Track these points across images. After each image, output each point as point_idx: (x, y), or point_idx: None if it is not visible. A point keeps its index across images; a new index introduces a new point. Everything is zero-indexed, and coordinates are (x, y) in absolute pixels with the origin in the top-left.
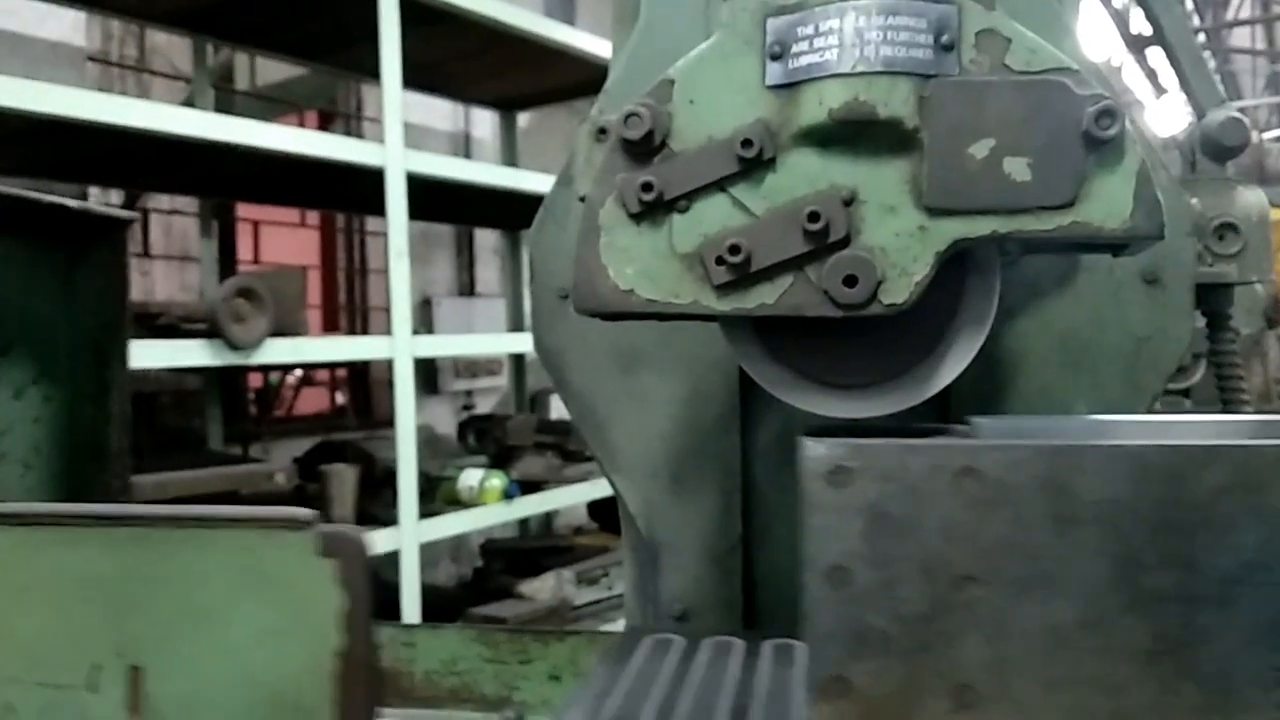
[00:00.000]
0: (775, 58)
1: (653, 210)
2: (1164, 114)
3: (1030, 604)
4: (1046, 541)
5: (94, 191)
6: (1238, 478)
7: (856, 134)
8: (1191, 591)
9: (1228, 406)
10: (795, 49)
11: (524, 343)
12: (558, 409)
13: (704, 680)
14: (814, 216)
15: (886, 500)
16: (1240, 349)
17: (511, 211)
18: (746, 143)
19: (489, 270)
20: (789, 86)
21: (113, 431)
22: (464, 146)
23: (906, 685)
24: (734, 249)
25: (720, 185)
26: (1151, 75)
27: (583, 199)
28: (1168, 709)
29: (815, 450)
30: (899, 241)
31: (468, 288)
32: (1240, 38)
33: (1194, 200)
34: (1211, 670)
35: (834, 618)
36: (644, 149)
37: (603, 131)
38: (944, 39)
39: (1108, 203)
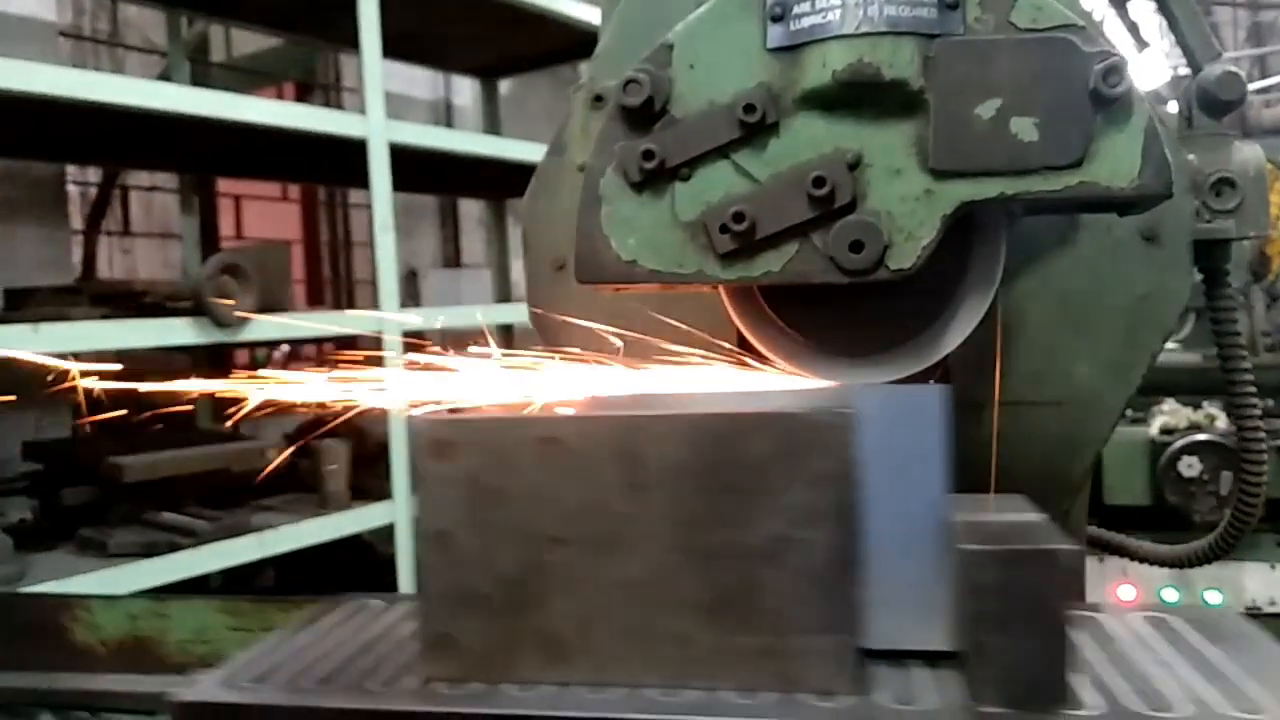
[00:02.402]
0: (776, 19)
1: (654, 179)
2: (1146, 68)
3: (608, 563)
4: (620, 505)
5: (71, 170)
6: (782, 443)
7: (861, 96)
8: (745, 548)
9: (1226, 362)
10: (797, 10)
11: (512, 313)
12: None
13: (370, 640)
14: (819, 181)
15: (483, 471)
16: None
17: (496, 180)
18: (749, 107)
19: (474, 241)
20: (791, 49)
21: None
22: (445, 115)
23: (505, 641)
24: (738, 216)
25: (723, 151)
26: (1133, 29)
27: (581, 168)
28: (729, 657)
29: (420, 425)
30: (905, 205)
31: (453, 259)
32: None
33: (1191, 156)
34: (765, 621)
35: (441, 580)
36: (644, 116)
37: (599, 98)
38: None
39: (1116, 161)
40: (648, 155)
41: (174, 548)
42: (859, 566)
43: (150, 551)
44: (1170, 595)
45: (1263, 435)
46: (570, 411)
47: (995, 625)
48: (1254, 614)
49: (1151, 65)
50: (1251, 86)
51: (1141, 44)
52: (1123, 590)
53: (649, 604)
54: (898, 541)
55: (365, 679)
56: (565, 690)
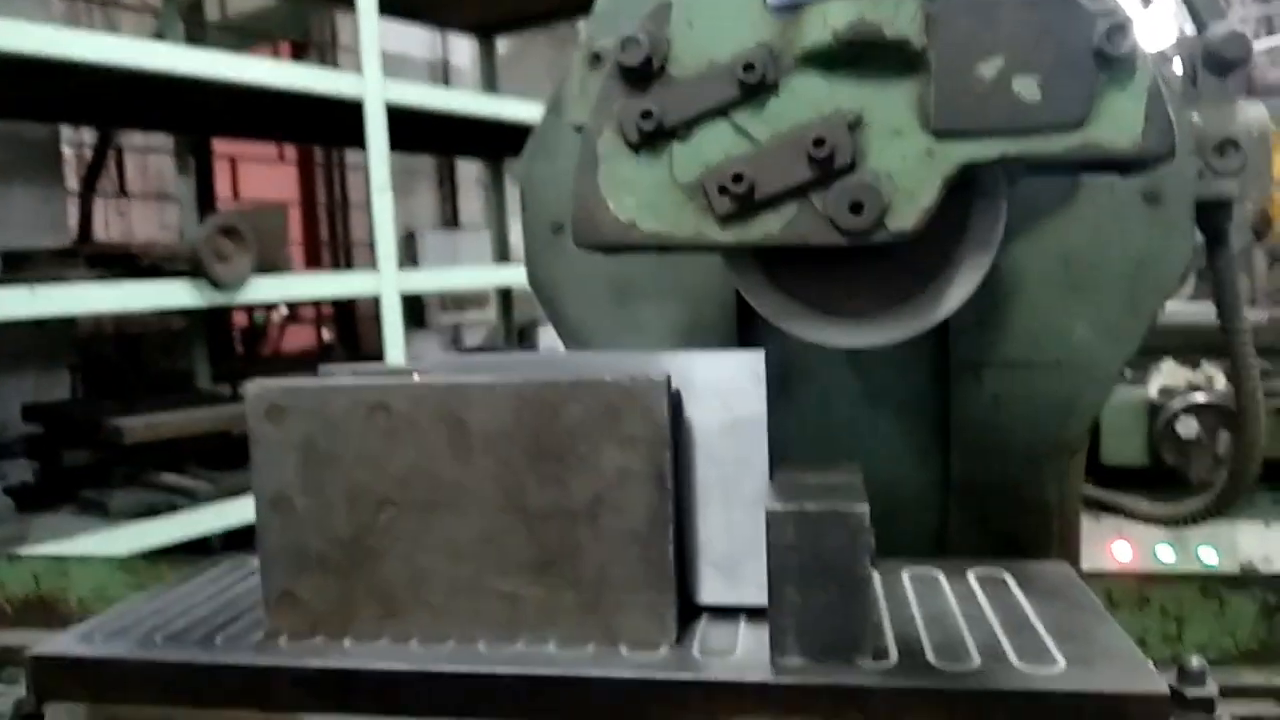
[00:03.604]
0: None
1: (653, 139)
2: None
3: (438, 523)
4: (447, 468)
5: (66, 131)
6: (598, 409)
7: (861, 55)
8: (567, 509)
9: (1226, 325)
10: None
11: (511, 275)
12: (546, 341)
13: (234, 598)
14: (819, 142)
15: (315, 435)
16: None
17: (493, 140)
18: (748, 67)
19: (472, 202)
20: (791, 7)
21: None
22: (443, 74)
23: (343, 598)
24: (737, 178)
25: (722, 112)
26: None
27: (578, 129)
28: (554, 613)
29: (254, 390)
30: (906, 166)
31: (451, 220)
32: None
33: (1195, 116)
34: (587, 577)
35: (279, 541)
36: (642, 75)
37: (597, 57)
38: None
39: (1119, 122)
40: (646, 115)
41: (174, 508)
42: (674, 526)
43: (150, 512)
44: (1165, 553)
45: (1260, 397)
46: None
47: (793, 581)
48: (1248, 572)
49: (1157, 23)
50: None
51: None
52: (1118, 547)
53: (478, 563)
54: (727, 502)
55: (216, 634)
56: (398, 644)
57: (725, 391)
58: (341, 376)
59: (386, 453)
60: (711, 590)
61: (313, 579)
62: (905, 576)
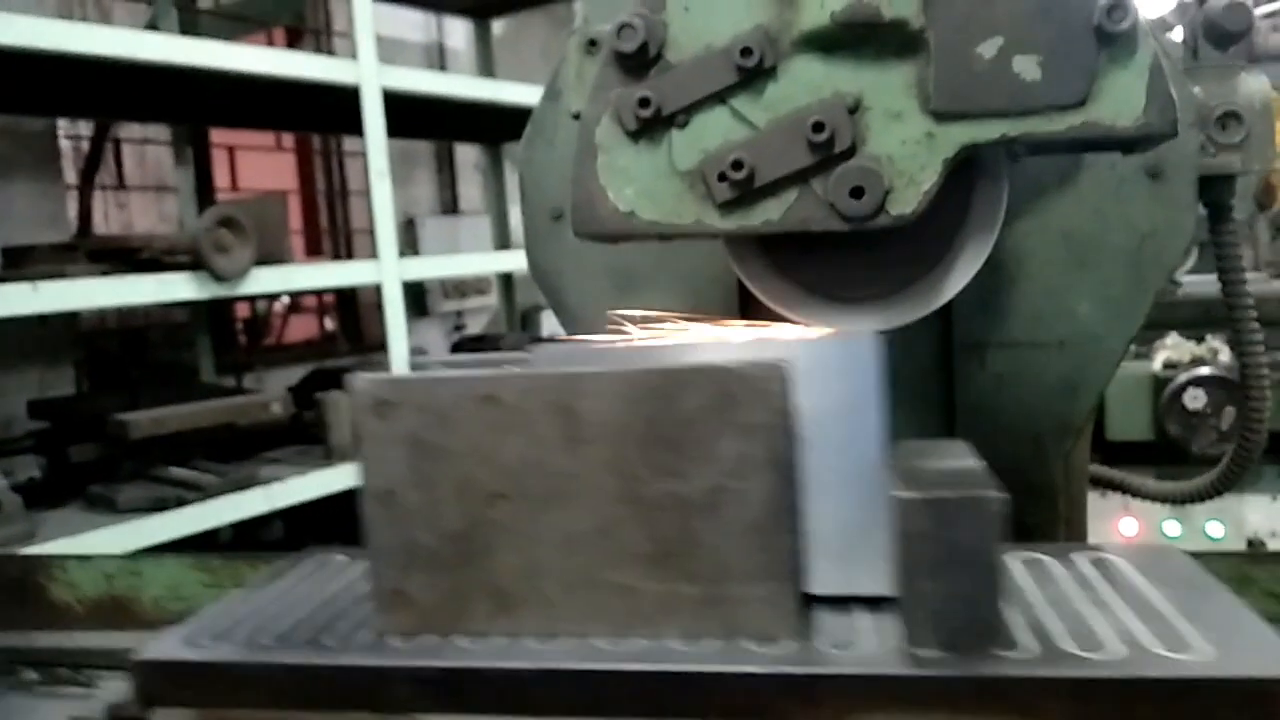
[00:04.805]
0: None
1: (651, 126)
2: None
3: (551, 516)
4: (560, 459)
5: (63, 124)
6: (715, 396)
7: (860, 37)
8: (684, 500)
9: (1230, 298)
10: None
11: (513, 261)
12: (549, 327)
13: (331, 596)
14: (818, 126)
15: (423, 429)
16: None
17: (491, 125)
18: (746, 51)
19: (471, 187)
20: None
21: None
22: (438, 58)
23: (454, 594)
24: (736, 164)
25: (720, 97)
26: None
27: (576, 116)
28: (672, 606)
29: (360, 385)
30: (906, 149)
31: (450, 206)
32: None
33: (1196, 89)
34: (706, 570)
35: (388, 537)
36: (639, 62)
37: (593, 43)
38: None
39: (1120, 100)
40: (643, 103)
41: (182, 502)
42: (796, 515)
43: (159, 506)
44: (1172, 528)
45: (1265, 370)
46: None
47: (927, 571)
48: (1255, 546)
49: None
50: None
51: None
52: (1124, 524)
53: (593, 556)
54: (839, 489)
55: (321, 634)
56: (514, 641)
57: (835, 374)
58: (447, 368)
59: (497, 445)
60: (824, 580)
61: (423, 576)
62: (1014, 562)
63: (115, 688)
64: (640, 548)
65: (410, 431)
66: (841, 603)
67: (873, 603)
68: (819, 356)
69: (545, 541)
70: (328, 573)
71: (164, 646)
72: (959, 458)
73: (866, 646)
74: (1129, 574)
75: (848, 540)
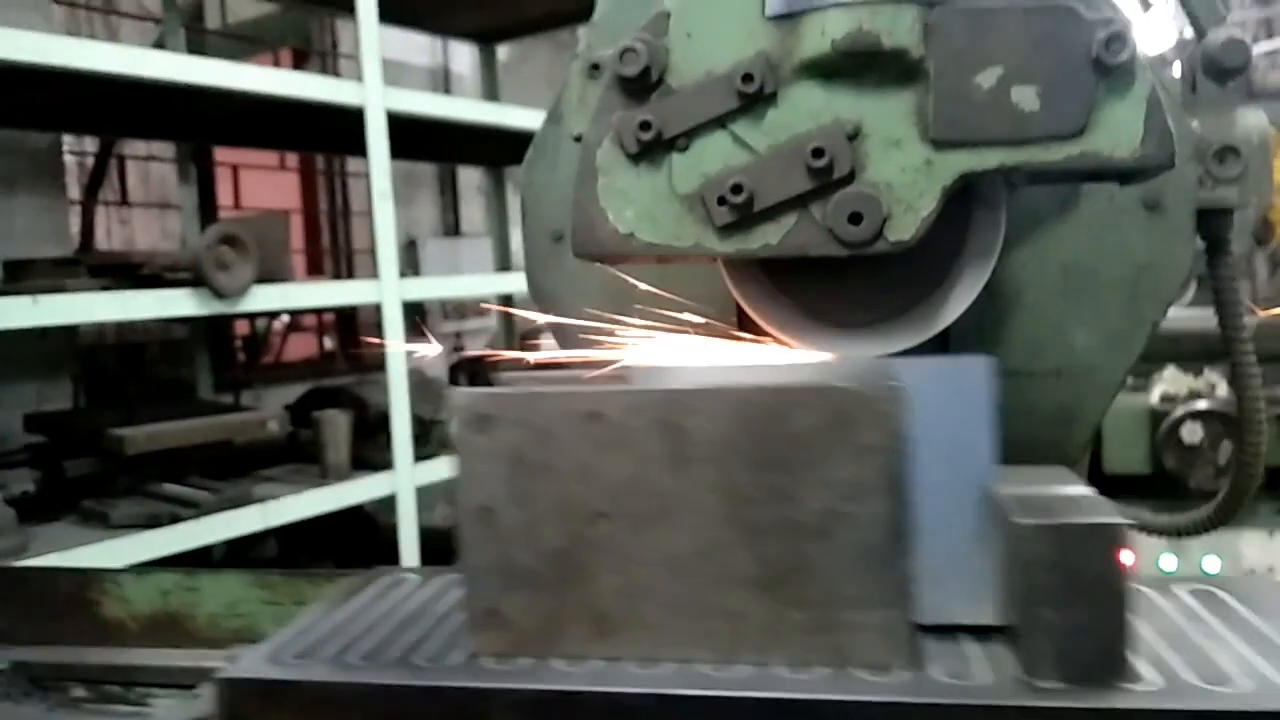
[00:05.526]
0: None
1: (651, 150)
2: (1150, 31)
3: (654, 537)
4: (664, 478)
5: (68, 139)
6: (829, 417)
7: (860, 65)
8: (794, 523)
9: (1228, 331)
10: None
11: (513, 283)
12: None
13: (409, 615)
14: (818, 152)
15: (524, 445)
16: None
17: (495, 148)
18: (747, 77)
19: (474, 209)
20: (790, 16)
21: None
22: (443, 82)
23: (551, 615)
24: (736, 188)
25: (721, 122)
26: None
27: (578, 139)
28: (779, 632)
29: (460, 399)
30: (905, 176)
31: (453, 228)
32: None
33: (1195, 123)
34: (816, 596)
35: (484, 555)
36: (641, 86)
37: (596, 68)
38: None
39: (1118, 131)
40: (644, 126)
41: (176, 519)
42: (910, 540)
43: (153, 523)
44: (1168, 562)
45: (1262, 404)
46: (611, 385)
47: (1051, 600)
48: None
49: (1156, 28)
50: (1258, 49)
51: (1146, 5)
52: (1121, 556)
53: (697, 579)
54: (944, 515)
55: (410, 654)
56: (614, 665)
57: (947, 397)
58: (550, 384)
59: (600, 463)
60: (930, 607)
61: (519, 596)
62: None
63: (168, 706)
64: (747, 571)
65: (510, 447)
66: (945, 631)
67: (976, 631)
68: (931, 378)
69: (648, 563)
70: (402, 592)
71: (249, 665)
72: (1067, 483)
73: (982, 677)
74: (1234, 606)
75: (953, 567)
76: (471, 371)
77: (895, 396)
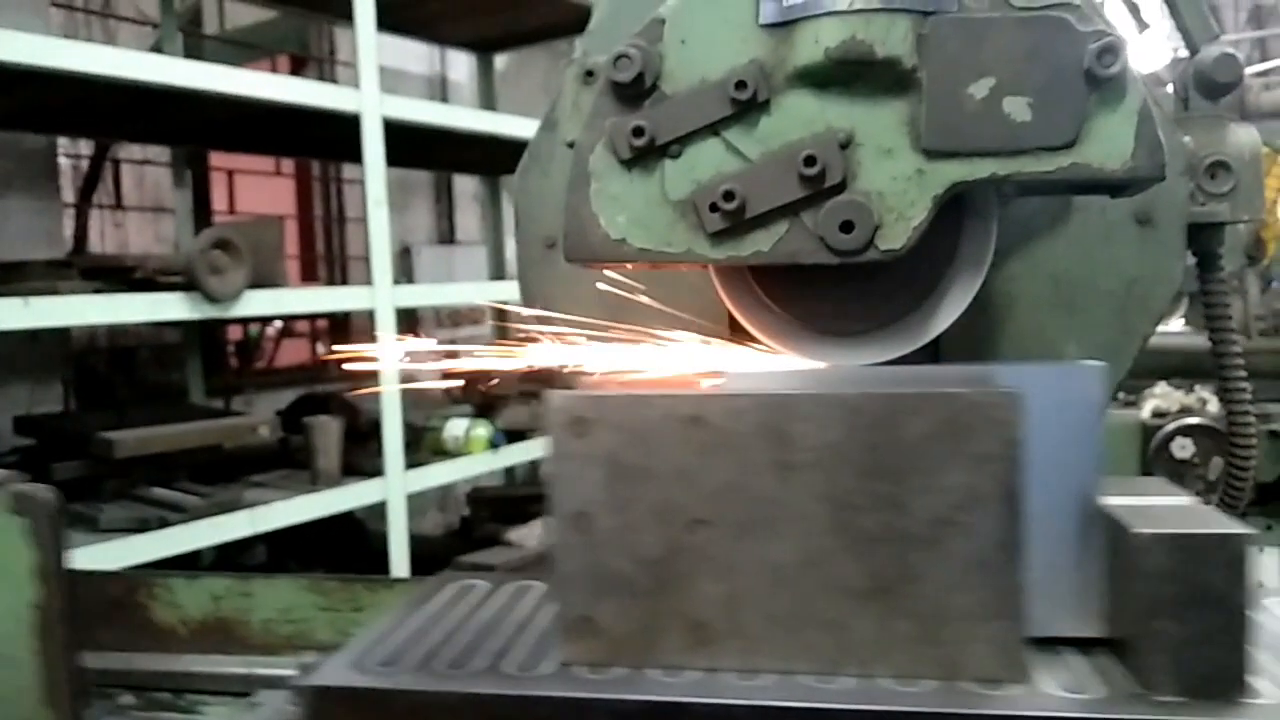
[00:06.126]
0: None
1: (644, 156)
2: (1146, 49)
3: (756, 545)
4: (768, 485)
5: (63, 142)
6: (943, 424)
7: (853, 75)
8: (903, 532)
9: (1218, 347)
10: None
11: (506, 291)
12: None
13: (487, 623)
14: (810, 160)
15: (622, 449)
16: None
17: (491, 156)
18: (740, 84)
19: (469, 217)
20: (784, 25)
21: None
22: (440, 90)
23: (647, 624)
24: (728, 195)
25: (713, 129)
26: (1134, 10)
27: (571, 144)
28: (885, 644)
29: (557, 402)
30: (896, 185)
31: (448, 235)
32: None
33: (1187, 138)
34: (925, 607)
35: (578, 561)
36: (634, 92)
37: (590, 74)
38: None
39: (1109, 143)
40: (638, 132)
41: (165, 523)
42: (1023, 551)
43: (141, 527)
44: None
45: (1252, 420)
46: (713, 389)
47: (1169, 612)
48: None
49: (1152, 46)
50: (1252, 69)
51: (1143, 25)
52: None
53: (801, 588)
54: (1049, 524)
55: (498, 662)
56: (713, 675)
57: (1059, 404)
58: (647, 388)
59: (701, 468)
60: (1034, 620)
61: (614, 603)
62: None
63: (220, 713)
64: (853, 581)
65: (608, 451)
66: (1043, 644)
67: (1078, 644)
68: (1041, 385)
69: (749, 571)
70: (474, 599)
71: (334, 673)
72: (1170, 493)
73: (1095, 689)
74: None
75: (1057, 578)
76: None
77: (1013, 403)
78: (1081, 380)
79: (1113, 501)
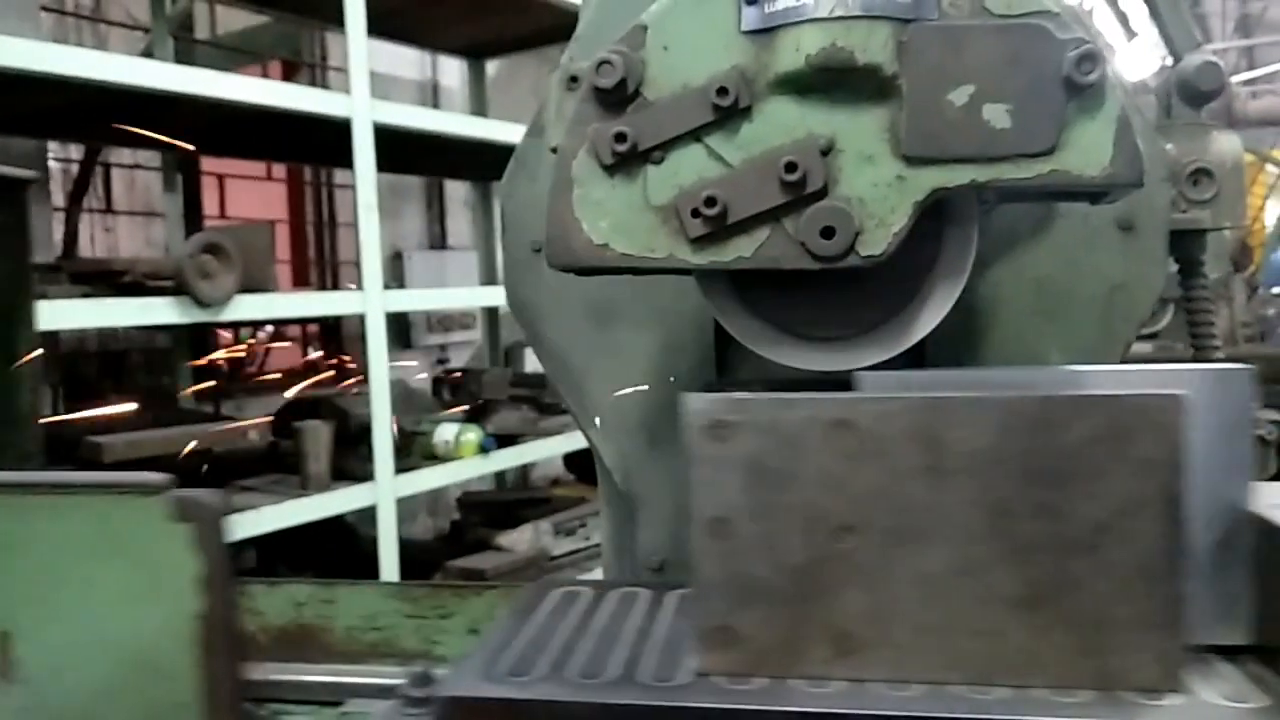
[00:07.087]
0: (751, 1)
1: (627, 161)
2: (1135, 58)
3: (906, 553)
4: (919, 491)
5: (53, 146)
6: (1105, 428)
7: (834, 81)
8: (1062, 539)
9: (1200, 353)
10: None
11: (497, 296)
12: (532, 362)
13: (604, 631)
14: (791, 167)
15: (765, 453)
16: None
17: (482, 162)
18: (722, 91)
19: (460, 223)
20: (766, 32)
21: (22, 395)
22: (432, 96)
23: (789, 633)
24: (710, 201)
25: (696, 135)
26: (1122, 19)
27: (555, 150)
28: (1041, 654)
29: (697, 405)
30: (877, 192)
31: (439, 240)
32: None
33: (1169, 145)
34: (1084, 617)
35: (718, 568)
36: (617, 98)
37: (574, 80)
38: None
39: (1088, 150)
40: (620, 138)
41: None
42: (1185, 558)
43: None
44: None
45: None
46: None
47: None
48: None
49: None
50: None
51: (1130, 34)
52: None
53: (952, 597)
54: (1200, 530)
55: (631, 672)
56: (860, 686)
57: (1212, 407)
58: (788, 391)
59: (848, 474)
60: (1195, 629)
61: (756, 612)
62: None
63: None
64: (1008, 589)
65: (750, 455)
66: (1191, 652)
67: (1225, 652)
68: (1196, 387)
69: (898, 580)
70: (581, 606)
71: (467, 684)
72: None
73: (1256, 699)
74: None
75: (1206, 585)
76: (454, 384)
77: (1176, 406)
78: (1233, 384)
79: (1266, 506)
